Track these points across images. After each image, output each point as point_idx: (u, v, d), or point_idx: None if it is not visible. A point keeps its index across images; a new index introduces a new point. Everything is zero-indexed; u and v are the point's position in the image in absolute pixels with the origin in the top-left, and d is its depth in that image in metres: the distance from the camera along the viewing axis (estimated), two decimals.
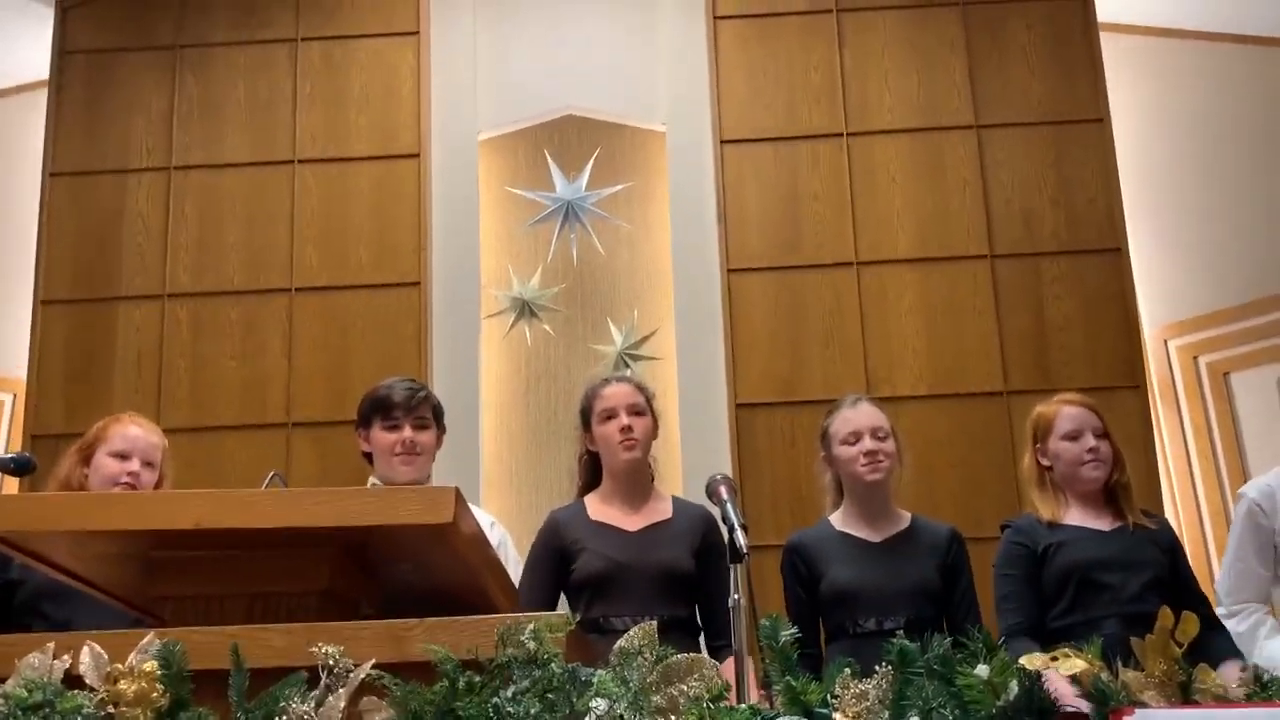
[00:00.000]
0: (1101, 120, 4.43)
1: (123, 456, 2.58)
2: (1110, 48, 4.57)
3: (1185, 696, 1.23)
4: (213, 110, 4.61)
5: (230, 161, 4.55)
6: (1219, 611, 2.76)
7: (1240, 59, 4.87)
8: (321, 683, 1.25)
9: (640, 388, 2.76)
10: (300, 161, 4.54)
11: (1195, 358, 4.78)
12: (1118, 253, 4.32)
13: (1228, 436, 4.64)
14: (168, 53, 4.66)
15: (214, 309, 4.42)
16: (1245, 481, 4.27)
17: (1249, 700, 1.24)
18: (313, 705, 1.22)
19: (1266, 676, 1.25)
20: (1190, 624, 1.25)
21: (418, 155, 4.51)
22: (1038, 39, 4.52)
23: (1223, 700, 1.23)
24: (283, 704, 1.21)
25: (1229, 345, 4.67)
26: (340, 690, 1.24)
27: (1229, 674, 2.33)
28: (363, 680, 1.25)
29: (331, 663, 1.25)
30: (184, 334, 4.40)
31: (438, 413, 2.76)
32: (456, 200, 4.48)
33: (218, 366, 4.36)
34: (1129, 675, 1.23)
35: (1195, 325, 4.73)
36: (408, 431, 2.67)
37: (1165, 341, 4.83)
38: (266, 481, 1.93)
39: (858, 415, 2.71)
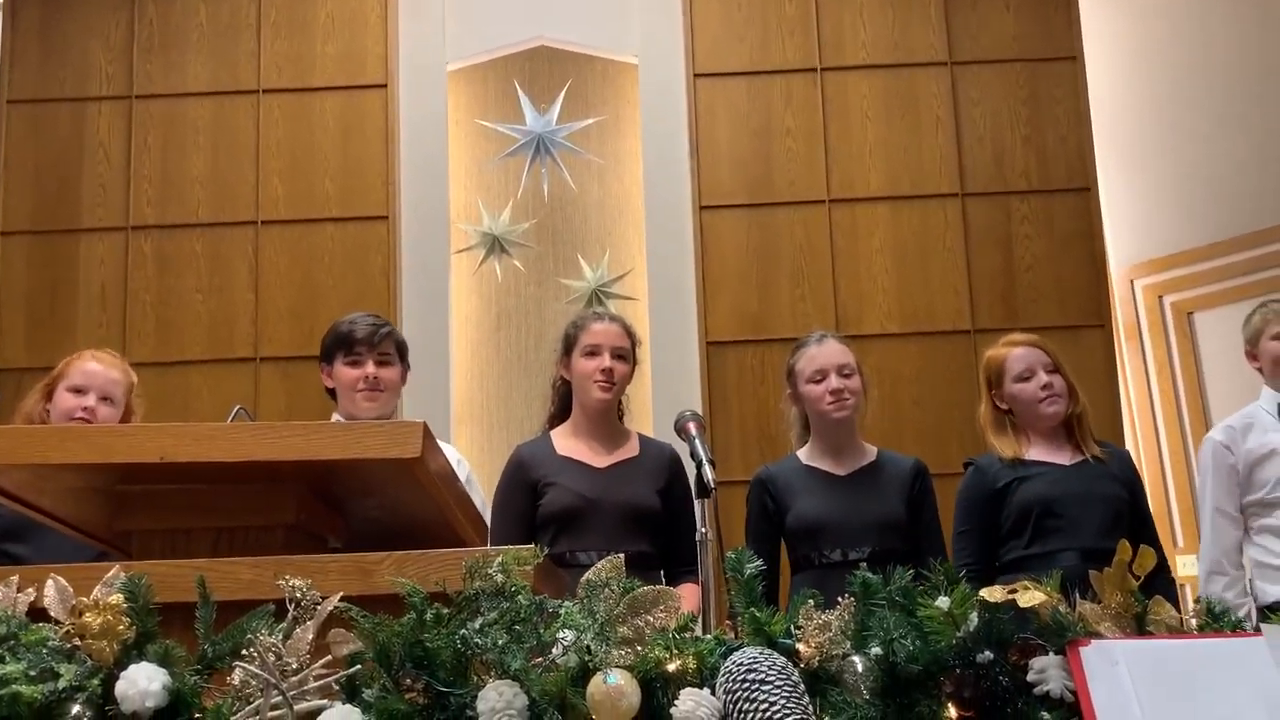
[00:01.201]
0: (1075, 58, 4.41)
1: (79, 391, 2.56)
2: None
3: (1140, 628, 1.26)
4: (174, 38, 4.49)
5: (193, 91, 4.45)
6: (1200, 569, 2.83)
7: None
8: (289, 615, 1.25)
9: (629, 331, 2.76)
10: (265, 91, 4.45)
11: (1160, 297, 4.82)
12: (1087, 192, 4.33)
13: (1190, 376, 4.70)
14: None
15: (178, 242, 4.35)
16: (1206, 421, 4.36)
17: (1201, 631, 1.27)
18: (280, 637, 1.22)
19: (1218, 609, 1.28)
20: (1147, 557, 1.28)
21: (385, 86, 4.43)
22: None
23: (1176, 631, 1.26)
24: (250, 636, 1.22)
25: (1194, 285, 4.71)
26: (308, 623, 1.24)
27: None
28: (331, 613, 1.25)
29: (299, 595, 1.25)
30: (148, 267, 4.33)
31: (402, 349, 2.74)
32: (425, 132, 4.42)
33: (183, 300, 4.31)
34: (1086, 607, 1.26)
35: (1162, 265, 4.76)
36: (370, 367, 2.64)
37: (1131, 281, 4.86)
38: (231, 416, 1.92)
39: (823, 352, 2.72)
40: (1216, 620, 1.27)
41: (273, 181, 4.39)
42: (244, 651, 1.21)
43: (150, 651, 1.22)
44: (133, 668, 1.20)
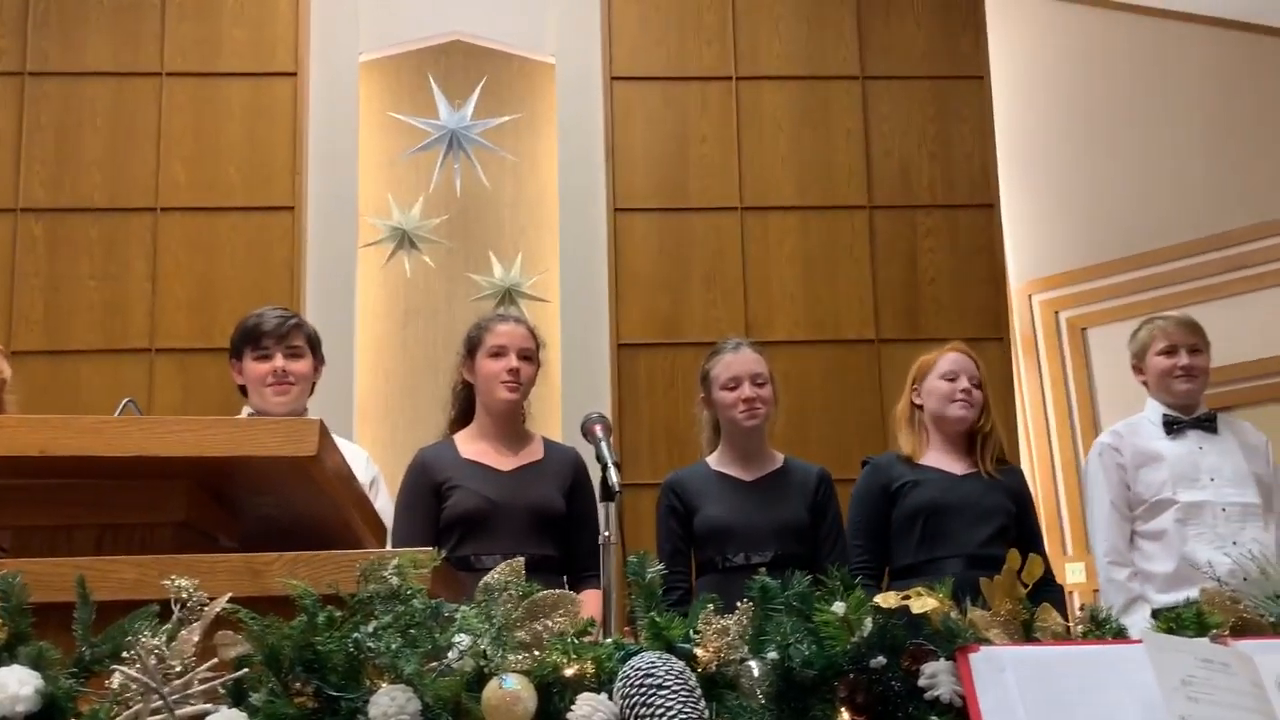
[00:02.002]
0: (982, 78, 4.53)
1: None
2: (994, 6, 4.67)
3: (1027, 635, 1.29)
4: (73, 14, 4.32)
5: (91, 70, 4.29)
6: (1099, 561, 2.91)
7: (1116, 24, 5.03)
8: (174, 616, 1.20)
9: (534, 332, 2.73)
10: (169, 74, 4.31)
11: (1057, 313, 4.98)
12: (990, 208, 4.45)
13: (1082, 390, 4.87)
14: None
15: (72, 226, 4.19)
16: (1096, 431, 4.51)
17: (1085, 638, 1.31)
18: (164, 639, 1.18)
19: (1102, 615, 1.32)
20: (1035, 566, 1.31)
21: (295, 74, 4.33)
22: None
23: (1061, 638, 1.30)
24: (131, 638, 1.17)
25: (1089, 302, 4.88)
26: (194, 624, 1.20)
27: None
28: (218, 614, 1.21)
29: (185, 596, 1.21)
30: (39, 251, 4.16)
31: (313, 342, 2.68)
32: (335, 123, 4.33)
33: (75, 287, 4.15)
34: (976, 614, 1.29)
35: (1058, 282, 4.92)
36: (279, 361, 2.58)
37: (1030, 296, 5.01)
38: (120, 409, 1.85)
39: (739, 360, 2.76)
40: (1100, 628, 1.31)
41: (174, 167, 4.25)
42: (124, 654, 1.16)
43: (22, 654, 1.16)
44: (3, 670, 1.14)
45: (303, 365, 2.63)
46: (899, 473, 2.74)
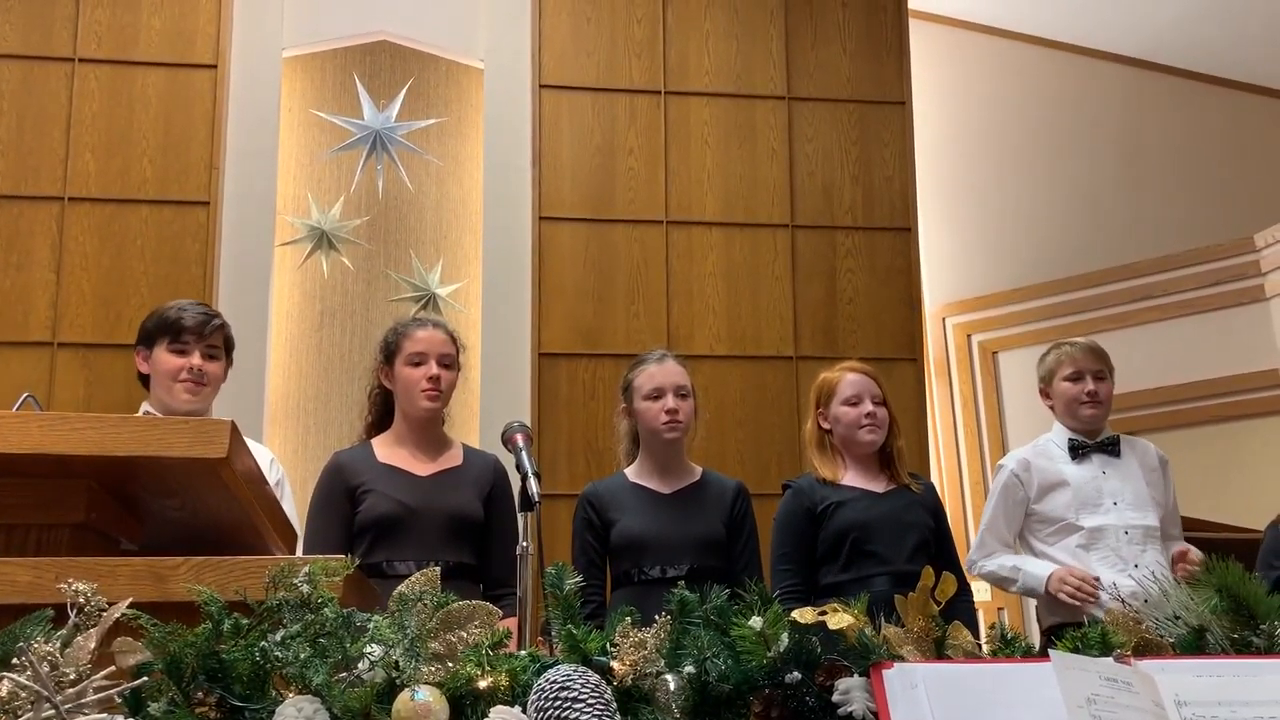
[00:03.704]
0: (904, 103, 4.62)
1: None
2: (918, 35, 4.77)
3: (939, 652, 1.31)
4: None
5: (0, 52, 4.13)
6: (973, 564, 2.99)
7: (1033, 58, 5.19)
8: (70, 622, 1.15)
9: (454, 337, 2.69)
10: (82, 60, 4.17)
11: (969, 336, 5.10)
12: (907, 232, 4.54)
13: (992, 411, 4.99)
14: None
15: None
16: (1004, 453, 4.62)
17: (994, 656, 1.33)
18: (58, 645, 1.13)
19: (1010, 634, 1.35)
20: (949, 584, 1.33)
21: (215, 66, 4.22)
22: (851, 19, 4.66)
23: (972, 656, 1.32)
24: (22, 643, 1.12)
25: (1001, 326, 5.01)
26: (91, 630, 1.15)
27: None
28: (118, 620, 1.17)
29: (83, 600, 1.16)
30: None
31: (229, 343, 2.59)
32: (255, 118, 4.23)
33: None
34: (890, 631, 1.30)
35: (972, 306, 5.04)
36: (196, 359, 2.49)
37: (944, 319, 5.13)
38: (19, 404, 1.77)
39: (662, 371, 2.76)
40: (1008, 645, 1.34)
41: (84, 156, 4.11)
42: (15, 660, 1.11)
43: None
44: None
45: (217, 367, 2.55)
46: (822, 495, 2.75)
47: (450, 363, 2.64)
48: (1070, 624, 2.54)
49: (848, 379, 2.81)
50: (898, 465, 2.80)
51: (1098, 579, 2.76)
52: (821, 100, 4.59)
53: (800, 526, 2.73)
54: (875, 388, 2.81)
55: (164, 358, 2.50)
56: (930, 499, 2.82)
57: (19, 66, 4.14)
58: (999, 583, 3.02)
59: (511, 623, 2.25)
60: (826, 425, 2.83)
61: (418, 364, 2.60)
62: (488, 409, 4.07)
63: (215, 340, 2.54)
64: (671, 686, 1.25)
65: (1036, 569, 2.88)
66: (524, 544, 1.89)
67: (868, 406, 2.78)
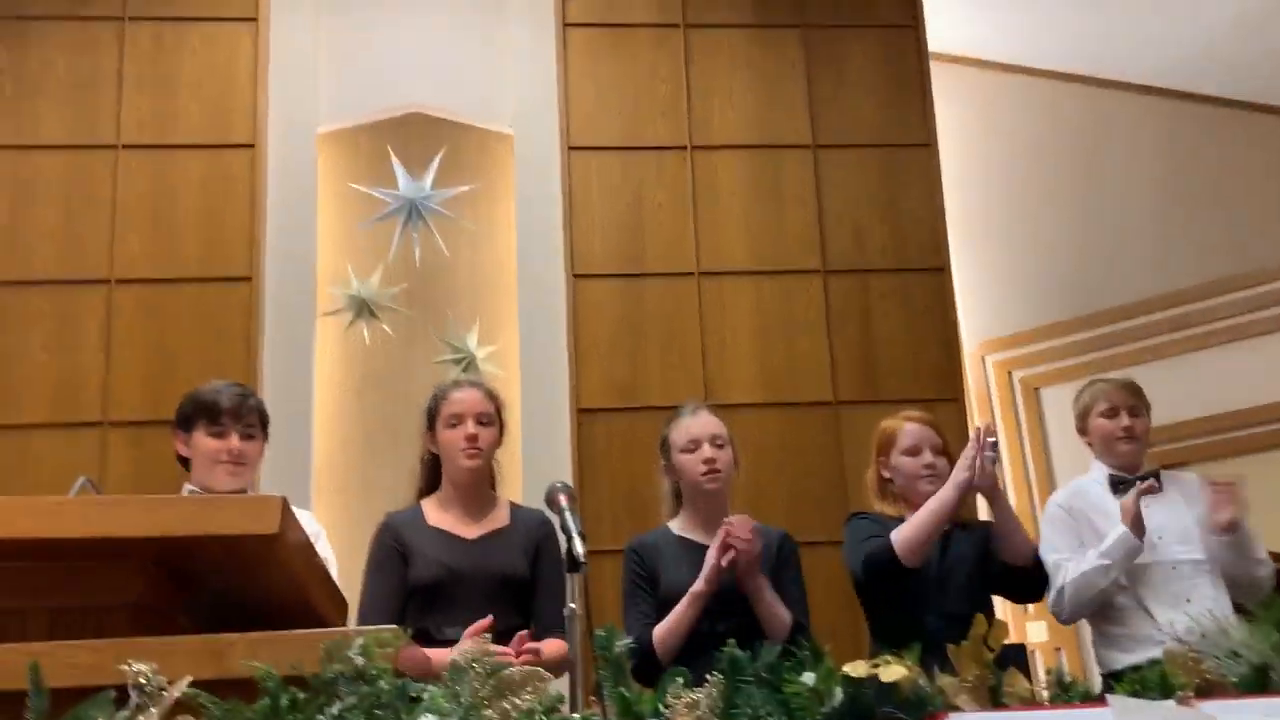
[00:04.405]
0: (929, 145, 4.64)
1: None
2: (939, 76, 4.80)
3: (995, 700, 1.29)
4: (29, 88, 4.31)
5: (47, 143, 4.27)
6: (1056, 608, 2.88)
7: (1059, 93, 5.20)
8: (132, 702, 1.18)
9: (491, 395, 2.73)
10: (125, 146, 4.30)
11: (1010, 373, 5.06)
12: (941, 271, 4.53)
13: (1037, 448, 4.93)
14: None
15: (24, 298, 4.14)
16: (1052, 488, 4.57)
17: (1053, 703, 1.32)
18: None
19: (1068, 679, 1.33)
20: (1001, 631, 1.32)
21: (253, 146, 4.34)
22: (872, 65, 4.70)
23: (1028, 703, 1.30)
24: None
25: (1041, 362, 4.98)
26: (152, 710, 1.17)
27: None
28: (178, 699, 1.19)
29: (143, 681, 1.18)
30: None
31: (264, 421, 2.64)
32: (293, 194, 4.33)
33: (26, 360, 4.08)
34: (945, 680, 1.29)
35: (1010, 343, 5.01)
36: (234, 440, 2.54)
37: (983, 357, 5.10)
38: (76, 488, 1.81)
39: (697, 423, 2.76)
40: (1066, 691, 1.32)
41: (129, 239, 4.22)
42: None
43: None
44: None
45: (255, 446, 2.59)
46: (889, 526, 2.74)
47: (488, 420, 2.67)
48: (1132, 667, 2.49)
49: (907, 429, 2.81)
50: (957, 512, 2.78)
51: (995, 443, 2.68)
52: (847, 147, 4.62)
53: (875, 526, 2.74)
54: (935, 438, 2.80)
55: (203, 441, 2.54)
56: (984, 540, 2.78)
57: (65, 156, 4.27)
58: (1091, 587, 2.82)
59: (553, 649, 2.27)
60: (887, 474, 2.83)
61: (455, 425, 2.64)
62: (529, 467, 4.09)
63: (251, 420, 2.57)
64: None
65: (1109, 539, 2.79)
66: (571, 605, 1.89)
67: (927, 457, 2.77)
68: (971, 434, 2.70)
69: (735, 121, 4.60)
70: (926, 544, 2.64)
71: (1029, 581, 2.79)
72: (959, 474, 2.66)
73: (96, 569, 1.43)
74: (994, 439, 2.67)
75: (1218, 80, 4.90)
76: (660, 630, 2.58)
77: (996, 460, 2.67)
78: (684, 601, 2.57)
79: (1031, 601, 2.96)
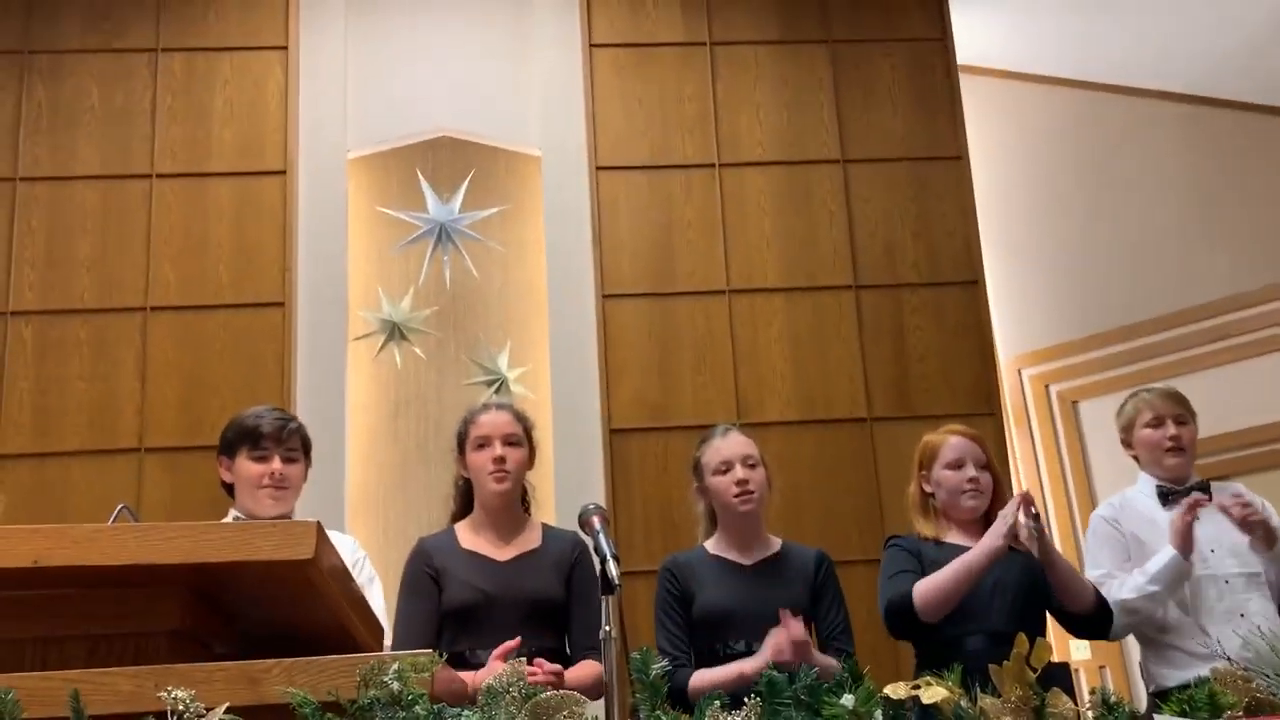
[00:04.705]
0: (960, 158, 4.61)
1: None
2: (968, 88, 4.78)
3: None
4: (64, 120, 4.39)
5: (82, 174, 4.34)
6: (1095, 577, 2.83)
7: (1090, 103, 5.16)
8: None
9: (519, 417, 2.73)
10: (159, 176, 4.36)
11: (1047, 386, 5.01)
12: (975, 285, 4.49)
13: (1076, 461, 4.87)
14: (14, 57, 4.43)
15: (61, 328, 4.20)
16: (1092, 502, 4.50)
17: None
18: None
19: (1114, 699, 1.30)
20: (1043, 650, 1.30)
21: (284, 172, 4.38)
22: (901, 79, 4.69)
23: None
24: None
25: (1079, 375, 4.91)
26: None
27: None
28: None
29: (182, 708, 1.19)
30: (27, 354, 4.16)
31: (306, 445, 2.67)
32: (324, 219, 4.37)
33: (64, 388, 4.14)
34: (987, 701, 1.27)
35: (1047, 355, 4.96)
36: (277, 464, 2.56)
37: (1019, 370, 5.04)
38: (114, 516, 1.83)
39: (728, 445, 2.75)
40: (1111, 711, 1.29)
41: (164, 267, 4.28)
42: None
43: None
44: None
45: (297, 470, 2.62)
46: (923, 549, 2.71)
47: (516, 441, 2.67)
48: (1181, 685, 2.44)
49: (950, 442, 2.77)
50: None
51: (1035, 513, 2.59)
52: (877, 161, 4.60)
53: (910, 560, 2.69)
54: (979, 452, 2.76)
55: (246, 465, 2.56)
56: (1033, 560, 2.72)
57: (101, 187, 4.34)
58: (1138, 613, 2.79)
59: (587, 671, 2.26)
60: (929, 489, 2.79)
61: (482, 447, 2.64)
62: (562, 487, 4.08)
63: (293, 444, 2.60)
64: None
65: (1157, 560, 2.74)
66: (606, 628, 1.88)
67: (970, 471, 2.73)
68: (1012, 502, 2.58)
69: (763, 138, 4.59)
70: (948, 604, 2.55)
71: (1094, 624, 2.72)
72: (994, 540, 2.54)
73: (135, 596, 1.44)
74: (1035, 511, 2.58)
75: (1250, 86, 4.84)
76: (700, 682, 2.55)
77: (1040, 530, 2.56)
78: (733, 671, 2.50)
79: (1098, 639, 2.87)
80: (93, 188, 4.33)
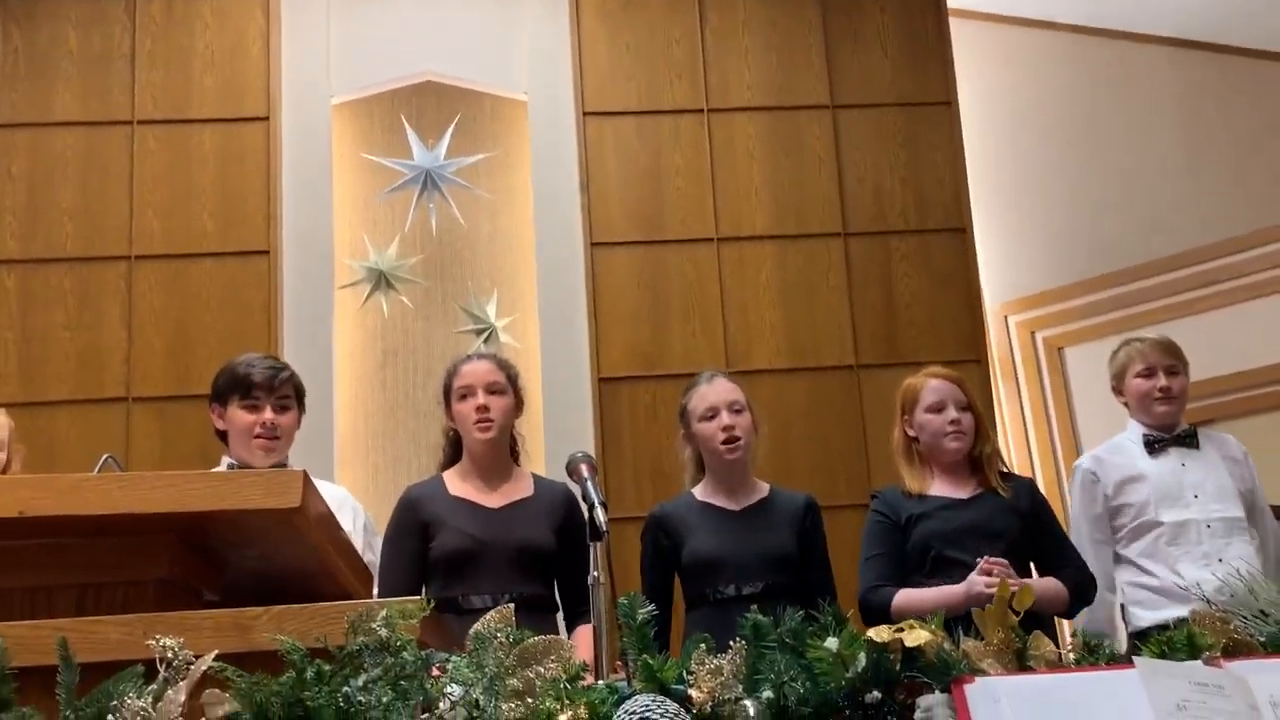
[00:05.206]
0: (949, 103, 4.58)
1: None
2: (959, 33, 4.72)
3: (1021, 664, 1.29)
4: (41, 65, 4.31)
5: (62, 120, 4.28)
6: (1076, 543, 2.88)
7: (1079, 47, 5.10)
8: (160, 676, 1.19)
9: (502, 365, 2.72)
10: (140, 122, 4.30)
11: (1033, 333, 5.02)
12: (962, 232, 4.48)
13: (1061, 408, 4.89)
14: None
15: (45, 277, 4.16)
16: (1077, 450, 4.54)
17: (1078, 665, 1.31)
18: (150, 700, 1.16)
19: (1094, 642, 1.32)
20: (1026, 595, 1.31)
21: (267, 119, 4.33)
22: (891, 23, 4.63)
23: (1055, 666, 1.30)
24: (116, 700, 1.15)
25: (1064, 321, 4.92)
26: (180, 683, 1.18)
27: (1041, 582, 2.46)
28: (205, 672, 1.20)
29: (170, 655, 1.19)
30: (11, 303, 4.13)
31: (299, 393, 2.65)
32: (308, 166, 4.33)
33: (49, 338, 4.11)
34: (969, 645, 1.29)
35: (1033, 302, 4.96)
36: (268, 413, 2.54)
37: (1005, 317, 5.05)
38: (99, 465, 1.83)
39: (714, 391, 2.76)
40: (1093, 654, 1.31)
41: (147, 215, 4.23)
42: (110, 717, 1.15)
43: None
44: None
45: (289, 418, 2.60)
46: (904, 507, 2.71)
47: (500, 389, 2.66)
48: (1159, 625, 2.48)
49: (930, 385, 2.76)
50: (987, 470, 2.74)
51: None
52: (866, 106, 4.56)
53: (887, 534, 2.70)
54: (959, 394, 2.75)
55: (237, 415, 2.55)
56: (1024, 501, 2.73)
57: (82, 133, 4.27)
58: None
59: (586, 638, 2.27)
60: (912, 432, 2.79)
61: (465, 397, 2.64)
62: (551, 436, 4.09)
63: (285, 392, 2.58)
64: (750, 712, 1.25)
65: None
66: (594, 574, 1.90)
67: (951, 414, 2.73)
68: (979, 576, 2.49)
69: (752, 83, 4.55)
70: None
71: (1073, 613, 2.76)
72: (979, 591, 2.42)
73: (122, 545, 1.44)
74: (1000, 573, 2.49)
75: (1241, 31, 4.80)
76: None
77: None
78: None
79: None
80: (73, 134, 4.27)
